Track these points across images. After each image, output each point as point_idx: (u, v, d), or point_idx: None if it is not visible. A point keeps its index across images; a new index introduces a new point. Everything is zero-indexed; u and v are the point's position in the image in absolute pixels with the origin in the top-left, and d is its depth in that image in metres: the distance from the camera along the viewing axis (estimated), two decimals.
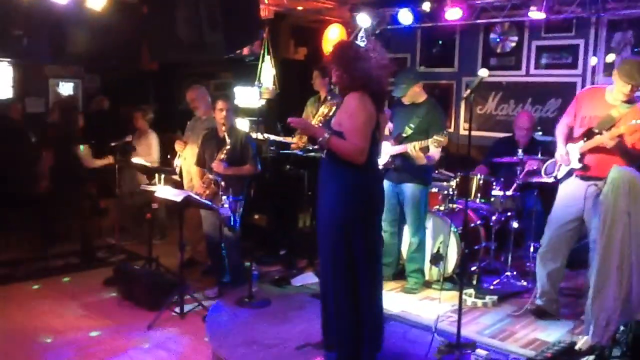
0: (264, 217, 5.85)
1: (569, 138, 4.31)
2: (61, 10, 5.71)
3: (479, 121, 6.81)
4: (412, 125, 4.82)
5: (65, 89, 9.50)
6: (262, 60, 6.98)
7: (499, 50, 6.66)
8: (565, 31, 6.14)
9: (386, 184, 4.97)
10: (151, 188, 4.67)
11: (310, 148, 5.53)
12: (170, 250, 5.62)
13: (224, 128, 4.95)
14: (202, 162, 5.13)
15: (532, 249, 5.31)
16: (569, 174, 4.28)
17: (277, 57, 7.07)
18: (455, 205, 5.35)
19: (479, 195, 5.23)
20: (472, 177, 5.23)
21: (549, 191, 5.18)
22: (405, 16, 6.32)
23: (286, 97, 7.15)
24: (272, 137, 6.23)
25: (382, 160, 4.92)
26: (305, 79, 6.58)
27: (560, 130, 4.41)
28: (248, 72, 7.38)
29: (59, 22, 6.74)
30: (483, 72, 3.37)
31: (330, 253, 3.35)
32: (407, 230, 5.11)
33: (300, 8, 7.28)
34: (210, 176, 4.89)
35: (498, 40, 6.65)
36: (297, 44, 8.59)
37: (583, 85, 6.05)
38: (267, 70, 6.93)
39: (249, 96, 7.53)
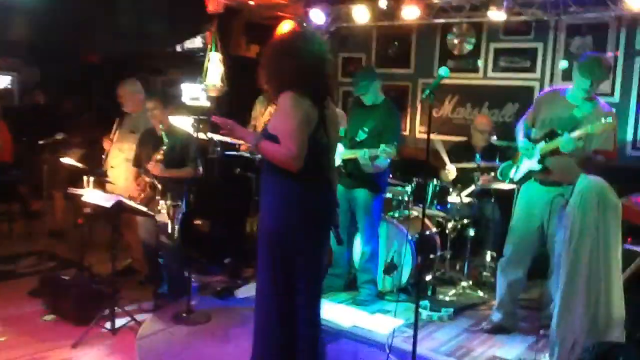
0: (207, 222, 5.46)
1: (529, 140, 4.11)
2: None
3: (435, 125, 6.57)
4: (365, 129, 4.53)
5: (1, 81, 8.90)
6: (209, 57, 6.61)
7: (456, 52, 6.46)
8: (524, 34, 5.97)
9: (339, 189, 4.68)
10: (79, 192, 4.23)
11: None
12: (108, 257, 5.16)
13: (160, 126, 4.56)
14: (139, 163, 4.72)
15: (489, 258, 5.11)
16: (527, 176, 4.07)
17: (228, 54, 6.70)
18: (410, 212, 5.09)
19: (435, 201, 4.99)
20: (428, 183, 4.99)
21: (507, 198, 5.00)
22: (361, 13, 6.05)
23: (236, 96, 6.78)
24: (217, 137, 5.86)
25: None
26: (256, 77, 6.25)
27: (520, 128, 4.22)
28: (198, 69, 7.12)
29: None
30: (444, 71, 3.12)
31: (265, 267, 2.98)
32: (358, 239, 4.83)
33: (252, 3, 6.93)
34: (147, 179, 4.49)
35: (456, 41, 6.45)
36: (249, 41, 8.22)
37: (541, 90, 5.89)
38: (215, 67, 6.56)
39: (197, 94, 7.15)
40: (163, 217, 4.33)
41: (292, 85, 2.86)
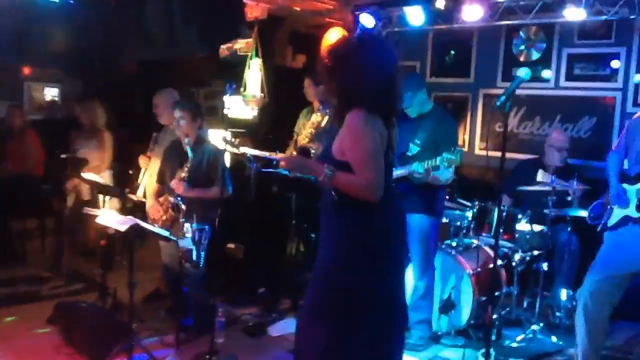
0: (240, 247, 4.91)
1: (623, 177, 3.42)
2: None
3: (497, 140, 5.89)
4: (418, 142, 3.90)
5: (50, 93, 8.71)
6: (249, 64, 6.13)
7: (522, 59, 5.75)
8: (602, 37, 5.23)
9: None
10: (93, 212, 3.76)
11: None
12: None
13: (186, 140, 4.07)
14: (162, 179, 4.25)
15: (564, 296, 4.36)
16: (624, 221, 3.35)
17: (271, 64, 6.22)
18: (471, 242, 4.41)
19: (501, 230, 4.30)
20: (492, 207, 4.31)
21: (586, 226, 4.26)
22: (415, 16, 5.43)
23: (280, 108, 6.29)
24: (252, 151, 5.34)
25: None
26: (302, 88, 5.76)
27: (613, 164, 3.50)
28: (241, 80, 6.72)
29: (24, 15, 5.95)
30: (524, 73, 2.53)
31: (335, 314, 2.47)
32: (410, 271, 4.18)
33: (297, 8, 6.45)
34: (171, 198, 3.99)
35: (522, 46, 5.75)
36: (295, 51, 7.75)
37: (624, 103, 5.12)
38: (254, 76, 6.07)
39: (237, 106, 6.71)
40: (187, 242, 3.81)
41: (361, 101, 2.42)
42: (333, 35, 6.73)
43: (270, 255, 5.01)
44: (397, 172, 3.90)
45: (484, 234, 4.37)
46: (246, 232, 4.95)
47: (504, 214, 4.26)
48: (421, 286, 4.00)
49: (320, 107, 5.49)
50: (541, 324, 4.24)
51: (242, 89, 6.12)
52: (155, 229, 3.60)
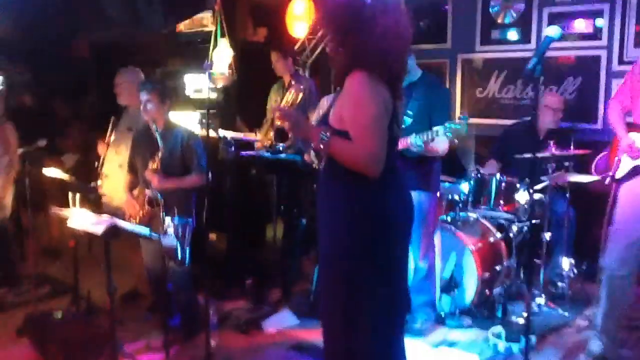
0: (223, 236, 4.57)
1: (630, 127, 3.25)
2: None
3: (478, 106, 5.68)
4: (410, 113, 3.62)
5: None
6: (215, 41, 5.73)
7: (500, 20, 5.52)
8: None
9: None
10: (63, 212, 3.37)
11: (281, 148, 4.35)
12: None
13: (154, 127, 3.70)
14: (133, 168, 3.89)
15: (566, 265, 4.21)
16: (634, 172, 3.17)
17: (234, 39, 5.81)
18: (469, 215, 4.20)
19: (500, 201, 4.10)
20: (490, 178, 4.10)
21: (584, 194, 4.11)
22: None
23: (246, 86, 5.93)
24: (229, 134, 4.99)
25: None
26: (266, 64, 5.42)
27: (616, 115, 3.33)
28: (201, 58, 6.27)
29: None
30: (555, 32, 2.30)
31: (340, 304, 2.23)
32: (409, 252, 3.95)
33: None
34: (147, 191, 3.62)
35: (499, 7, 5.51)
36: (256, 24, 7.34)
37: (609, 61, 4.96)
38: (222, 53, 5.67)
39: (202, 85, 6.33)
40: (170, 238, 3.47)
41: (371, 64, 2.11)
42: (298, 7, 6.39)
43: (255, 242, 4.70)
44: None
45: (482, 207, 4.17)
46: (227, 220, 4.62)
47: (503, 184, 4.06)
48: (424, 267, 3.77)
49: (293, 82, 5.17)
50: (543, 297, 4.09)
51: (207, 64, 5.72)
52: (135, 227, 3.23)
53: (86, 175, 4.79)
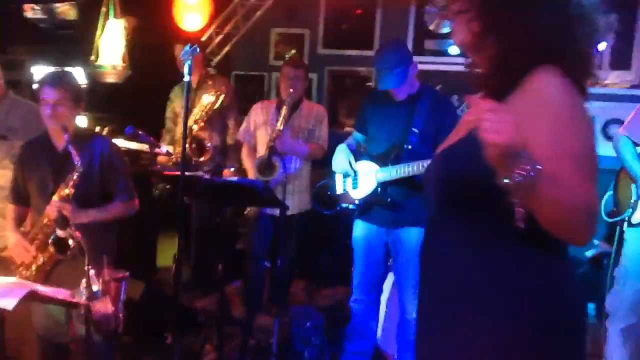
0: (139, 286, 3.42)
1: None
2: None
3: None
4: (415, 131, 2.93)
5: None
6: (102, 24, 4.54)
7: (433, 27, 5.07)
8: None
9: (366, 228, 3.08)
10: None
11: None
12: None
13: (65, 137, 2.58)
14: (19, 196, 2.79)
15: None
16: None
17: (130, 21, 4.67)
18: None
19: None
20: None
21: None
22: None
23: (140, 85, 4.81)
24: (130, 145, 3.89)
25: (364, 192, 3.00)
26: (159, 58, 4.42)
27: (628, 149, 3.00)
28: (50, 45, 5.30)
29: None
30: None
31: None
32: (392, 298, 3.24)
33: None
34: (61, 232, 2.46)
35: (436, 16, 5.06)
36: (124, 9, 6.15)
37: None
38: (113, 40, 4.50)
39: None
40: (102, 301, 2.35)
41: (559, 57, 1.34)
42: None
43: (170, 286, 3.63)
44: (392, 173, 2.90)
45: None
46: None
47: None
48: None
49: (210, 83, 4.22)
50: None
51: (92, 58, 4.51)
52: (59, 294, 2.10)
53: None
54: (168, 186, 3.87)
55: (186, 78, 2.31)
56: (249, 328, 3.39)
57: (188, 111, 4.05)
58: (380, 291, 3.22)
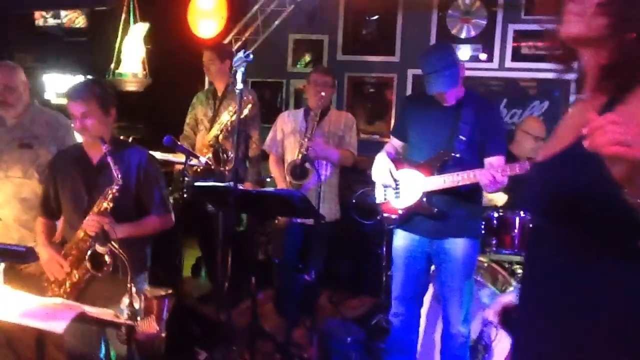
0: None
1: None
2: None
3: None
4: (463, 138, 2.84)
5: None
6: (123, 31, 4.46)
7: (455, 32, 5.00)
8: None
9: (407, 239, 2.97)
10: None
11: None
12: None
13: (103, 148, 2.49)
14: (49, 208, 2.70)
15: None
16: None
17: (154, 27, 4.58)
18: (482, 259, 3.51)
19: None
20: (513, 217, 3.47)
21: None
22: None
23: (161, 92, 4.74)
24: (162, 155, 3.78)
25: (407, 202, 2.91)
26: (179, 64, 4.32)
27: None
28: (62, 54, 5.43)
29: None
30: None
31: None
32: (434, 313, 3.15)
33: None
34: (101, 248, 2.36)
35: (458, 20, 4.99)
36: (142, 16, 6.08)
37: (580, 84, 4.66)
38: (134, 48, 4.41)
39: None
40: (147, 320, 2.26)
41: None
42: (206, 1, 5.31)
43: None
44: (455, 179, 2.78)
45: (505, 250, 3.52)
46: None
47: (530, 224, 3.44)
48: (465, 331, 2.97)
49: (237, 91, 4.11)
50: None
51: (112, 66, 4.42)
52: (104, 314, 2.00)
53: None
54: (185, 195, 3.74)
55: (239, 86, 2.21)
56: (286, 343, 3.29)
57: (214, 120, 4.04)
58: (421, 304, 3.13)
